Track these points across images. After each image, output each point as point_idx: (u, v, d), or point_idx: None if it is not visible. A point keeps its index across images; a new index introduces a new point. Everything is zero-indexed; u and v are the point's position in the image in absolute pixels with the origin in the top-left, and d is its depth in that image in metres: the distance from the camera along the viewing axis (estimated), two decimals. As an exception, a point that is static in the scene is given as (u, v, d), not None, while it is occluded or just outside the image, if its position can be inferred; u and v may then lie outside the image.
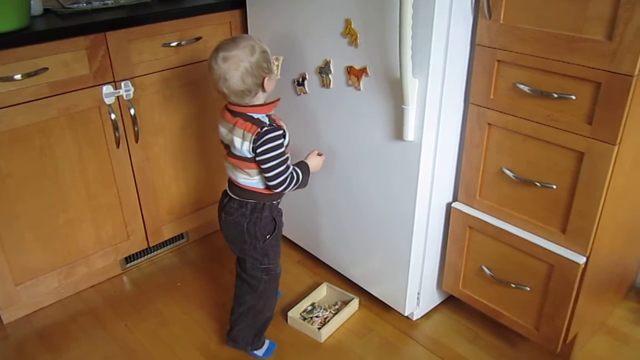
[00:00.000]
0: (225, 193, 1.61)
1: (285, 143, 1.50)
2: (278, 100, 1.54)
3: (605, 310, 1.81)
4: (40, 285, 1.85)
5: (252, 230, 1.56)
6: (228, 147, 1.54)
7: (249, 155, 1.47)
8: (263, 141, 1.44)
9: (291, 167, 1.52)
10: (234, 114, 1.48)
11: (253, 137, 1.44)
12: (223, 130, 1.53)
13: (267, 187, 1.51)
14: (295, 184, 1.51)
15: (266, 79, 1.46)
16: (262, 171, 1.48)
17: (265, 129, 1.44)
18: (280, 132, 1.47)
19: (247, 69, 1.42)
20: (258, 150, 1.44)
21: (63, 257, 1.88)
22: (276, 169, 1.46)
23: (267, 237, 1.58)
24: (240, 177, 1.53)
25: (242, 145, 1.46)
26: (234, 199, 1.57)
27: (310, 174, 1.59)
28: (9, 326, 1.87)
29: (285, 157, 1.48)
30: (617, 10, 1.16)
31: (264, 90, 1.48)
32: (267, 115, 1.48)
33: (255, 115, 1.47)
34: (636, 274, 1.96)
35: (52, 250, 1.84)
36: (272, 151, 1.45)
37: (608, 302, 1.81)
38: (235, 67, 1.41)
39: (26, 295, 1.83)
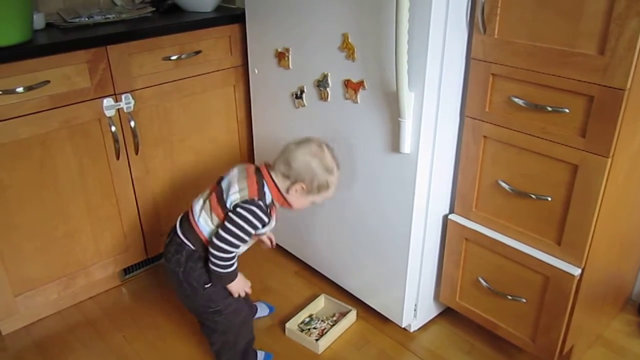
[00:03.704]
0: (173, 228, 1.56)
1: (259, 232, 1.50)
2: (290, 206, 1.56)
3: (601, 322, 1.82)
4: (39, 296, 1.86)
5: (189, 280, 1.52)
6: (221, 181, 1.53)
7: (227, 206, 1.46)
8: (247, 209, 1.43)
9: (236, 261, 1.49)
10: (257, 170, 1.50)
11: (246, 198, 1.45)
12: (235, 170, 1.53)
13: (210, 241, 1.46)
14: (222, 264, 1.45)
15: (304, 189, 1.49)
16: (221, 226, 1.45)
17: (259, 203, 1.45)
18: (265, 219, 1.46)
19: (313, 169, 1.47)
20: (236, 209, 1.43)
21: (62, 268, 1.89)
22: (231, 236, 1.43)
23: (206, 286, 1.53)
24: (201, 215, 1.49)
25: (232, 195, 1.46)
26: (175, 238, 1.53)
27: (227, 282, 1.52)
28: (8, 337, 1.87)
29: (245, 238, 1.45)
30: (609, 25, 1.18)
31: (294, 191, 1.50)
32: (272, 199, 1.49)
33: (265, 189, 1.48)
34: (633, 287, 1.96)
35: (51, 261, 1.85)
36: (244, 222, 1.43)
37: (604, 315, 1.82)
38: (311, 158, 1.47)
39: (25, 306, 1.84)
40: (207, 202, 1.51)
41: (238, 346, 1.64)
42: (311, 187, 1.49)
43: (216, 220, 1.48)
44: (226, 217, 1.45)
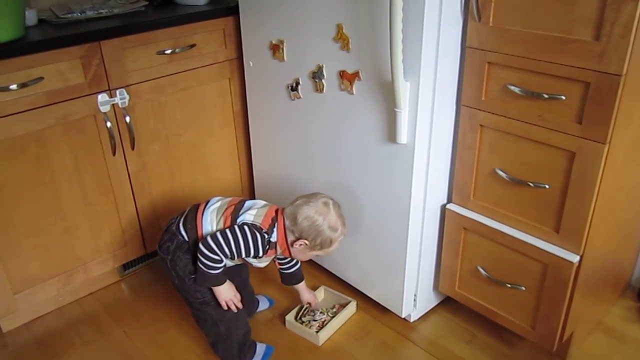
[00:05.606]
0: (173, 217, 1.63)
1: (248, 260, 1.55)
2: (291, 255, 1.61)
3: (601, 308, 1.82)
4: (38, 294, 1.86)
5: (175, 269, 1.56)
6: (244, 201, 1.60)
7: (237, 220, 1.52)
8: (251, 231, 1.48)
9: (222, 267, 1.52)
10: (276, 212, 1.56)
11: (256, 224, 1.49)
12: (262, 202, 1.60)
13: (204, 239, 1.50)
14: (206, 263, 1.49)
15: (307, 245, 1.53)
16: (221, 230, 1.50)
17: (264, 234, 1.49)
18: (260, 252, 1.50)
19: (317, 228, 1.51)
20: (242, 226, 1.48)
21: (61, 265, 1.89)
22: (224, 243, 1.47)
23: (192, 276, 1.56)
24: (212, 213, 1.55)
25: (247, 214, 1.52)
26: (171, 226, 1.58)
27: (211, 284, 1.55)
28: (8, 335, 1.87)
29: (232, 254, 1.49)
30: (604, 10, 1.17)
31: (297, 245, 1.54)
32: (276, 242, 1.53)
33: (274, 229, 1.52)
34: (632, 272, 1.96)
35: (50, 258, 1.85)
36: (242, 239, 1.47)
37: (604, 301, 1.82)
38: (316, 216, 1.50)
39: (25, 303, 1.84)
40: (224, 207, 1.56)
41: (233, 338, 1.64)
42: (314, 244, 1.54)
43: (221, 225, 1.54)
44: (230, 227, 1.50)
